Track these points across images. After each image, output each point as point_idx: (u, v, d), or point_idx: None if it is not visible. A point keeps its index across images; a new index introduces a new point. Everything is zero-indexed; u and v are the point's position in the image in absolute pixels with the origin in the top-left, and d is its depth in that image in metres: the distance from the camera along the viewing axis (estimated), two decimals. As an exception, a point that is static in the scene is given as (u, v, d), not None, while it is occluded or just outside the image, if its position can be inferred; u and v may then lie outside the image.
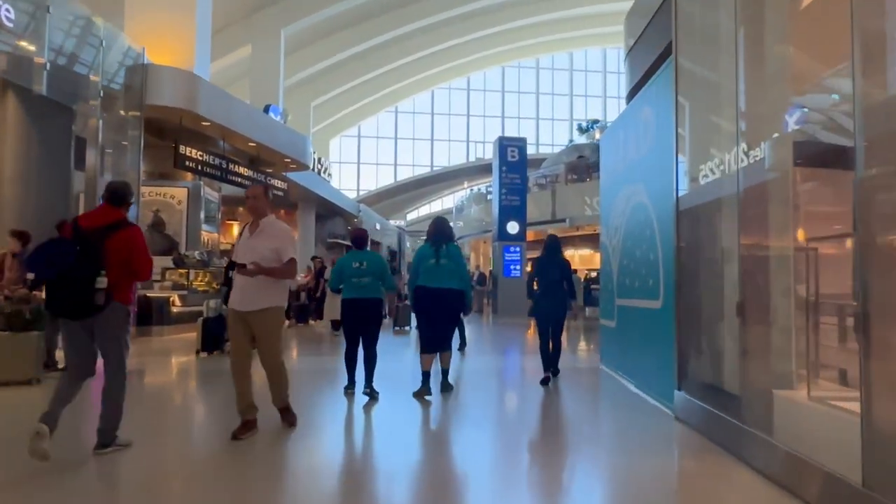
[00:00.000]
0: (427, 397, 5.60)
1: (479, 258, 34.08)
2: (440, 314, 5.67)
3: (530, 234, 21.60)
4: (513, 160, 18.91)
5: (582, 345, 11.62)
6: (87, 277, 3.54)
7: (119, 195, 3.87)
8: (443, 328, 5.73)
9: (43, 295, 6.47)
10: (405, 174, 45.85)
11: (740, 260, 3.93)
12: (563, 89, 48.57)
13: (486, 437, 4.69)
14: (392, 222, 39.92)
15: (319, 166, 21.76)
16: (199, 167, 11.95)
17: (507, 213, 18.85)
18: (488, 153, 46.95)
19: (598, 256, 28.80)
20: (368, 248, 6.01)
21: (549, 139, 47.10)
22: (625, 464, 3.94)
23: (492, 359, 9.33)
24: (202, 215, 14.15)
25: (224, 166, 12.69)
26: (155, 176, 13.92)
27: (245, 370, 4.35)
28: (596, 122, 32.52)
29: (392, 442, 4.48)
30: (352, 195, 38.12)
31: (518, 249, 18.89)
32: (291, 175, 18.30)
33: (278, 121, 15.22)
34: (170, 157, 11.64)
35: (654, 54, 6.15)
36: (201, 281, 11.71)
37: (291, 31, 27.17)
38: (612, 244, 7.45)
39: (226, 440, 4.18)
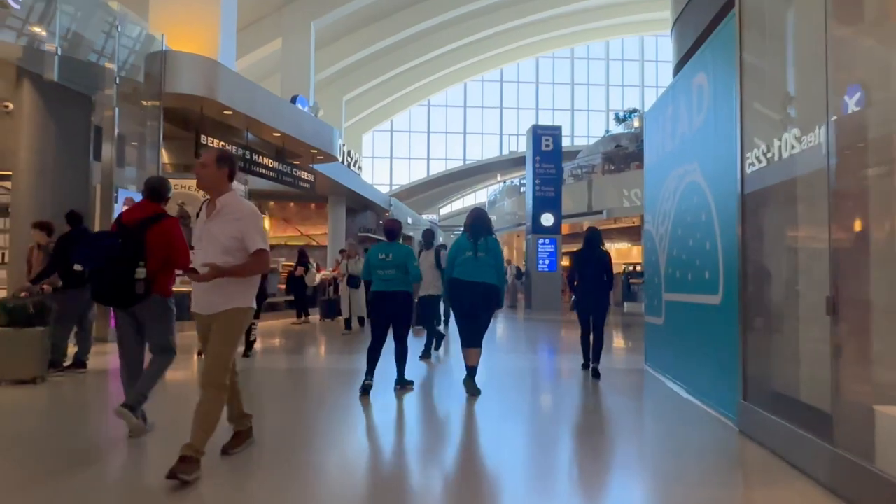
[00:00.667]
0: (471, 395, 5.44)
1: (511, 252, 33.28)
2: (478, 308, 5.47)
3: (565, 227, 20.76)
4: (547, 150, 18.09)
5: (622, 343, 10.82)
6: (127, 268, 3.71)
7: (156, 190, 4.10)
8: (476, 323, 5.51)
9: (44, 289, 6.19)
10: (438, 168, 45.27)
11: (832, 248, 3.16)
12: (599, 79, 47.24)
13: (517, 454, 4.04)
14: (424, 216, 39.39)
15: (349, 159, 21.31)
16: (222, 158, 11.57)
17: (541, 205, 18.06)
18: (522, 146, 46.02)
19: (636, 250, 27.80)
20: (400, 241, 5.78)
21: (585, 131, 45.86)
22: (685, 492, 3.23)
23: (525, 358, 8.63)
24: (228, 208, 13.82)
25: (248, 157, 12.26)
26: (180, 168, 13.61)
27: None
28: (634, 111, 31.29)
29: (406, 444, 3.87)
30: (384, 190, 37.73)
31: (552, 242, 18.09)
32: (321, 168, 17.88)
33: (305, 111, 14.76)
34: (193, 149, 11.26)
35: (709, 14, 5.36)
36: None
37: (322, 25, 26.79)
38: (658, 233, 6.68)
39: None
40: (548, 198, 18.04)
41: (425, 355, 7.81)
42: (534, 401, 5.78)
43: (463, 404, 5.27)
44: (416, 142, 46.56)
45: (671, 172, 6.15)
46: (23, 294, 6.05)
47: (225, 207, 3.39)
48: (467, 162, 45.35)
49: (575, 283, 6.58)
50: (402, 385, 5.63)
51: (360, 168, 22.66)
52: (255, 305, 3.48)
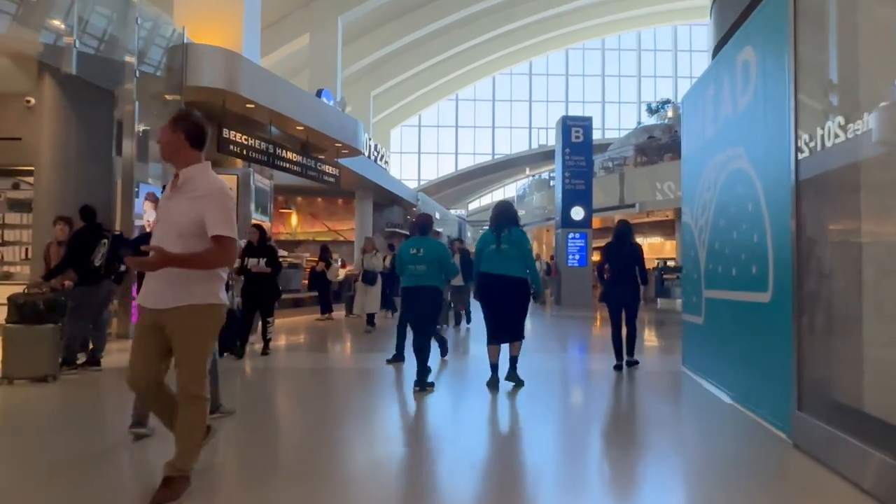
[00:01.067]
0: (494, 391, 5.31)
1: (541, 247, 32.70)
2: (503, 302, 5.35)
3: (596, 222, 20.15)
4: (577, 141, 17.53)
5: (657, 342, 10.31)
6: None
7: None
8: (508, 317, 5.39)
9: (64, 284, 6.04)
10: (466, 163, 44.83)
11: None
12: (630, 70, 46.15)
13: (547, 463, 3.66)
14: (452, 211, 39.05)
15: (375, 153, 21.09)
16: (245, 152, 11.35)
17: (571, 199, 17.53)
18: (551, 140, 45.24)
19: (669, 245, 26.96)
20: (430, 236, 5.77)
21: (616, 123, 44.89)
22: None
23: (554, 358, 8.21)
24: (252, 204, 13.65)
25: (271, 151, 12.06)
26: (205, 164, 13.53)
27: (153, 396, 2.95)
28: (667, 101, 30.38)
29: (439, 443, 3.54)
30: (412, 185, 37.48)
31: (583, 237, 17.55)
32: (348, 162, 17.67)
33: (329, 104, 14.52)
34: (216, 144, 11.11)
35: (756, -17, 4.86)
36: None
37: (349, 19, 26.61)
38: (697, 225, 6.19)
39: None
40: (578, 191, 17.50)
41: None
42: (563, 408, 5.39)
43: (487, 407, 4.94)
44: (445, 137, 46.23)
45: (712, 160, 5.66)
46: (37, 290, 5.90)
47: (187, 183, 2.82)
48: (496, 156, 44.82)
49: (605, 276, 6.55)
50: (422, 387, 5.31)
51: (387, 163, 22.42)
52: (225, 301, 2.87)
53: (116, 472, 3.44)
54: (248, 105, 11.16)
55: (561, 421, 4.85)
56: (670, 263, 21.29)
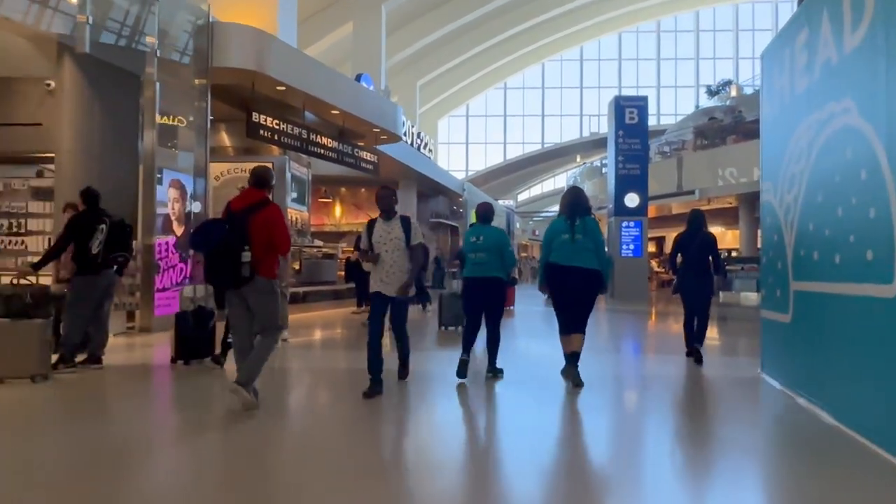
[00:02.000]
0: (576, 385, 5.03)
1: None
2: (575, 295, 5.13)
3: (651, 210, 18.79)
4: (631, 123, 16.23)
5: (723, 340, 9.12)
6: (234, 252, 3.94)
7: (260, 179, 4.32)
8: (576, 310, 5.18)
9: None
10: (515, 153, 43.61)
11: None
12: (688, 53, 43.75)
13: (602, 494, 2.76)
14: (501, 202, 37.99)
15: (419, 141, 20.32)
16: (276, 137, 10.72)
17: (624, 185, 16.27)
18: (604, 127, 43.30)
19: (731, 234, 25.15)
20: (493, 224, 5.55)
21: (672, 109, 42.66)
22: None
23: (608, 361, 7.20)
24: (289, 193, 13.10)
25: (305, 136, 11.42)
26: (240, 151, 13.06)
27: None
28: (728, 82, 28.39)
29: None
30: (460, 176, 36.61)
31: (638, 225, 16.29)
32: (388, 150, 16.95)
33: (368, 88, 13.81)
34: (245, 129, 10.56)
35: None
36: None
37: (393, 6, 25.90)
38: (783, 203, 5.08)
39: None
40: (632, 176, 16.22)
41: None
42: (621, 427, 4.43)
43: (560, 401, 4.44)
44: (493, 126, 45.14)
45: (804, 121, 4.55)
46: (25, 280, 5.37)
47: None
48: (545, 145, 43.39)
49: (677, 267, 6.55)
50: (494, 373, 5.40)
51: (430, 151, 21.62)
52: None
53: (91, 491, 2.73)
54: (279, 87, 10.53)
55: (619, 447, 3.91)
56: (734, 254, 19.70)
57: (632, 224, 16.21)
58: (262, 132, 10.46)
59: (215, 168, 12.95)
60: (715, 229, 28.64)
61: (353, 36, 24.63)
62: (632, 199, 16.25)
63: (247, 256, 3.93)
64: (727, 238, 28.47)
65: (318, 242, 12.73)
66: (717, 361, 6.83)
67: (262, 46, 10.08)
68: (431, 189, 23.29)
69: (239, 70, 9.80)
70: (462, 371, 5.16)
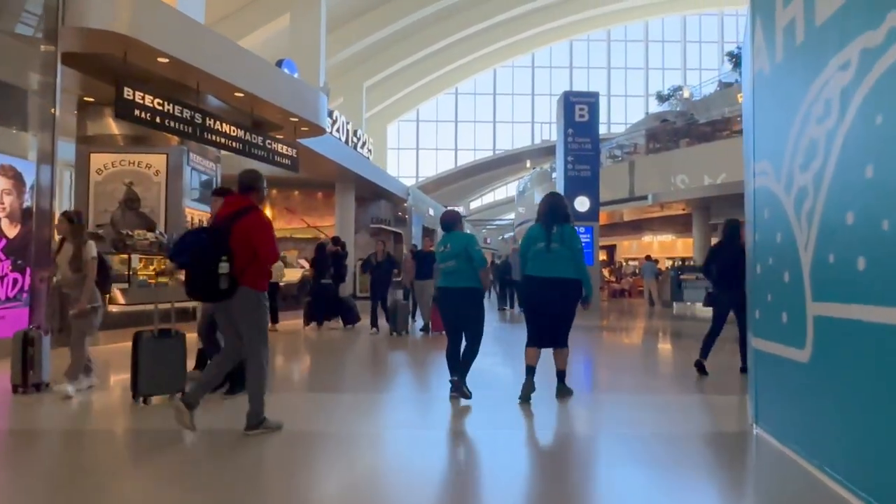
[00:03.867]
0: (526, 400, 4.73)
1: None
2: (550, 307, 4.79)
3: (602, 216, 17.41)
4: (582, 120, 14.81)
5: (679, 368, 7.54)
6: (211, 263, 3.57)
7: (244, 184, 3.92)
8: (555, 323, 4.85)
9: None
10: (466, 159, 42.12)
11: None
12: (637, 62, 43.31)
13: None
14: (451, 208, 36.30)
15: (355, 139, 18.44)
16: (157, 119, 8.65)
17: (574, 187, 14.80)
18: (556, 134, 42.62)
19: (682, 243, 24.07)
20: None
21: (622, 117, 42.06)
22: None
23: (551, 402, 5.48)
24: (187, 189, 11.02)
25: (199, 121, 9.41)
26: (130, 140, 10.93)
27: None
28: (678, 88, 27.59)
29: None
30: (410, 182, 34.81)
31: (588, 231, 14.82)
32: (320, 147, 15.02)
33: (282, 71, 11.86)
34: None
35: None
36: (157, 270, 8.55)
37: (335, 0, 24.07)
38: (793, 184, 3.46)
39: None
40: (583, 178, 14.77)
41: None
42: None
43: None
44: (444, 132, 43.58)
45: (835, 57, 2.94)
46: None
47: None
48: (497, 152, 42.08)
49: (713, 277, 6.26)
50: (459, 391, 4.84)
51: (370, 150, 19.76)
52: None
53: None
54: (160, 59, 8.53)
55: None
56: (689, 263, 18.52)
57: (582, 230, 14.73)
58: (136, 112, 8.41)
59: (98, 160, 10.78)
60: (664, 238, 27.79)
61: (290, 28, 22.63)
62: (582, 203, 14.79)
63: (224, 268, 3.57)
64: (678, 247, 27.58)
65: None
66: (688, 402, 5.21)
67: (137, 5, 8.09)
68: (372, 193, 21.40)
69: (103, 33, 7.77)
70: (455, 388, 4.82)
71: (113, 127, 10.94)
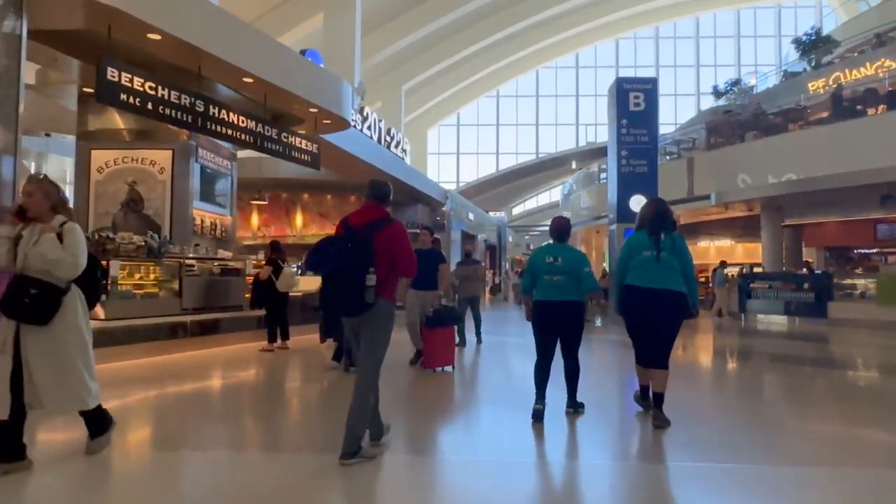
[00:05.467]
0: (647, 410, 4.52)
1: (590, 253, 27.89)
2: (658, 322, 4.36)
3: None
4: (637, 109, 12.99)
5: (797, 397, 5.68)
6: (358, 275, 3.36)
7: (381, 193, 3.75)
8: (657, 339, 4.41)
9: None
10: (508, 163, 40.40)
11: None
12: (687, 60, 40.77)
13: None
14: (492, 214, 34.75)
15: (388, 139, 17.07)
16: (147, 105, 7.36)
17: (629, 185, 12.98)
18: (601, 136, 40.39)
19: (744, 248, 21.79)
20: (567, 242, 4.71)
21: (672, 117, 39.55)
22: None
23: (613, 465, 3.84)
24: (195, 189, 9.81)
25: (199, 108, 8.14)
26: (135, 135, 9.81)
27: None
28: (737, 81, 25.24)
29: None
30: (450, 187, 33.38)
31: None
32: (349, 145, 13.71)
33: (298, 55, 10.50)
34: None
35: None
36: (146, 279, 7.26)
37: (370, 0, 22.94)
38: None
39: None
40: (638, 175, 12.93)
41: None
42: None
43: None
44: (485, 135, 42.02)
45: None
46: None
47: None
48: (540, 155, 40.21)
49: None
50: (575, 408, 4.65)
51: (404, 151, 18.37)
52: None
53: None
54: (152, 36, 7.28)
55: None
56: (756, 269, 16.34)
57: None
58: (122, 96, 7.14)
59: (99, 157, 9.69)
60: (721, 242, 25.30)
61: (324, 27, 21.58)
62: (638, 203, 12.93)
63: (372, 279, 3.34)
64: (737, 252, 25.08)
65: (225, 254, 9.37)
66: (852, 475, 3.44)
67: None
68: (407, 196, 19.99)
69: (82, 3, 6.55)
70: (537, 417, 4.40)
71: (118, 121, 9.86)
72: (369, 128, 15.47)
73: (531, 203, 47.98)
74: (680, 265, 4.33)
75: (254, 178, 15.98)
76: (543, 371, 4.52)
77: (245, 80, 8.84)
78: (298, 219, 19.76)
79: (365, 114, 15.29)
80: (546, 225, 46.02)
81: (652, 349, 4.43)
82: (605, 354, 9.07)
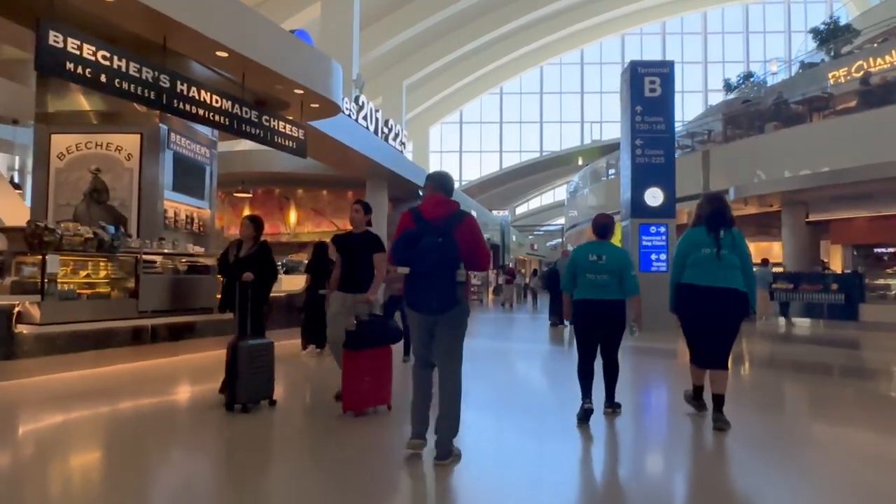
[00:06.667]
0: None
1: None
2: (718, 321, 4.16)
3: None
4: (653, 95, 11.88)
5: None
6: (450, 271, 3.26)
7: (446, 185, 3.58)
8: (717, 340, 4.19)
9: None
10: (512, 161, 39.33)
11: None
12: (695, 56, 39.63)
13: None
14: (495, 212, 33.68)
15: (386, 130, 16.03)
16: (104, 78, 6.32)
17: (644, 177, 11.88)
18: (606, 134, 39.26)
19: (755, 247, 20.61)
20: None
21: (679, 114, 38.35)
22: None
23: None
24: (166, 177, 8.76)
25: (164, 84, 7.09)
26: (102, 118, 8.78)
27: None
28: (749, 75, 24.11)
29: None
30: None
31: (663, 231, 11.87)
32: (344, 136, 12.70)
33: (282, 29, 9.43)
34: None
35: None
36: (95, 277, 6.21)
37: (369, -11, 21.94)
38: None
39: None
40: (654, 165, 11.83)
41: None
42: None
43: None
44: (488, 133, 40.95)
45: None
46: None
47: None
48: (544, 153, 39.13)
49: None
50: (613, 408, 4.50)
51: (403, 144, 17.32)
52: None
53: None
54: (104, -2, 6.26)
55: None
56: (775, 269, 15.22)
57: (656, 229, 11.79)
58: (68, 65, 6.08)
59: (60, 142, 8.64)
60: (752, 242, 24.16)
61: (321, 17, 20.58)
62: (654, 196, 11.84)
63: (462, 275, 3.28)
64: (751, 251, 23.85)
65: (196, 249, 8.31)
66: None
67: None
68: (407, 192, 18.94)
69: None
70: (585, 417, 4.21)
71: (82, 102, 8.82)
72: (365, 117, 14.43)
73: (535, 202, 46.94)
74: (740, 263, 4.16)
75: (246, 171, 14.98)
76: (587, 371, 4.38)
77: (219, 54, 7.80)
78: (292, 215, 18.72)
79: (360, 102, 14.25)
80: (549, 225, 45.08)
81: (710, 349, 4.25)
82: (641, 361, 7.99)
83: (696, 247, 4.22)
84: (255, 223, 5.12)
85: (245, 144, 16.70)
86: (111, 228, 6.52)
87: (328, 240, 7.28)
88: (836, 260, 17.00)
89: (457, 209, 3.45)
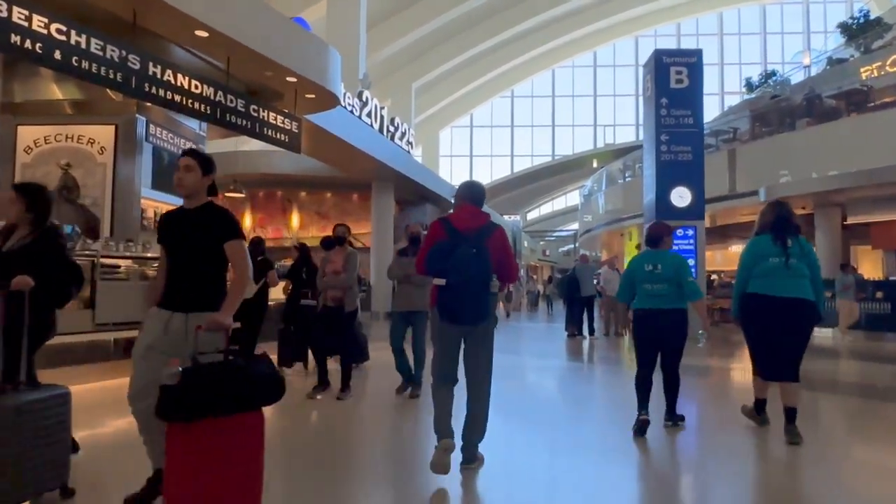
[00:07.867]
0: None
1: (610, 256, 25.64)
2: (787, 333, 4.01)
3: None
4: (680, 87, 10.86)
5: None
6: (485, 282, 3.26)
7: (477, 195, 3.52)
8: (788, 351, 4.04)
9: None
10: (523, 166, 38.32)
11: None
12: (711, 58, 38.39)
13: None
14: (506, 217, 32.68)
15: (392, 129, 15.11)
16: (59, 56, 5.42)
17: (670, 175, 10.84)
18: (620, 137, 38.18)
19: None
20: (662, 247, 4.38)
21: (695, 117, 37.23)
22: None
23: None
24: (144, 173, 7.88)
25: (134, 66, 6.21)
26: (77, 108, 7.93)
27: None
28: (772, 73, 22.96)
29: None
30: (462, 189, 31.30)
31: (691, 235, 10.81)
32: (348, 135, 11.79)
33: (276, 12, 8.50)
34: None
35: None
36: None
37: (377, -12, 21.12)
38: None
39: None
40: (682, 163, 10.79)
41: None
42: None
43: None
44: (499, 137, 40.01)
45: None
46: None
47: None
48: (556, 157, 38.08)
49: None
50: (674, 422, 4.39)
51: (410, 144, 16.39)
52: None
53: None
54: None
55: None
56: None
57: (683, 232, 10.74)
58: (13, 38, 5.21)
59: (27, 134, 7.79)
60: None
61: (327, 14, 19.77)
62: (681, 196, 10.80)
63: (495, 286, 3.53)
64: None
65: (150, 252, 7.38)
66: None
67: None
68: (414, 194, 18.01)
69: None
70: (641, 430, 4.11)
71: (55, 91, 7.96)
72: (369, 114, 13.52)
73: (546, 208, 45.88)
74: (809, 272, 4.05)
75: (247, 172, 14.13)
76: (645, 382, 4.27)
77: (198, 33, 6.91)
78: (295, 219, 17.85)
79: (364, 98, 13.35)
80: (562, 230, 43.97)
81: (780, 362, 4.09)
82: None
83: (763, 257, 4.09)
84: (28, 193, 3.07)
85: (246, 145, 15.88)
86: (67, 228, 5.60)
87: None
88: (872, 265, 15.80)
89: (488, 221, 3.45)
